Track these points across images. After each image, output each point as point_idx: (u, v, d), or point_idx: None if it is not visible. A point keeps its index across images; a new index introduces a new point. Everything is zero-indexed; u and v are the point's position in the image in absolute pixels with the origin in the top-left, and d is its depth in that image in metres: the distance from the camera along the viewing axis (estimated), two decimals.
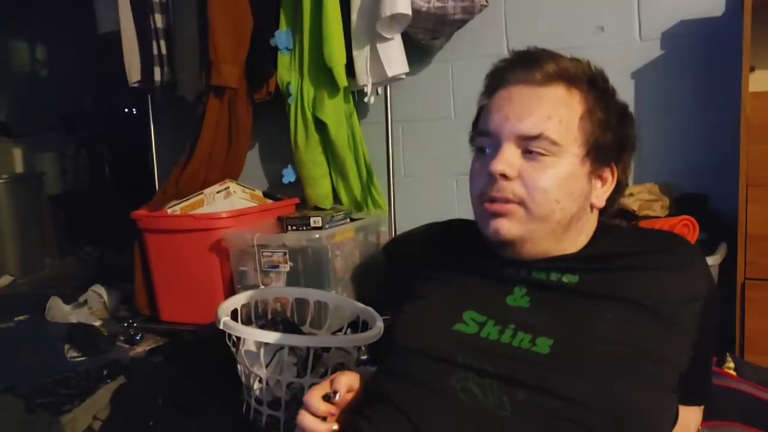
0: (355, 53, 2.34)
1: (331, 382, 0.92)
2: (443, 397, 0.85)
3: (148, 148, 3.09)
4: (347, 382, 0.92)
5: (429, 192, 2.62)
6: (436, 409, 0.84)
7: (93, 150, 4.88)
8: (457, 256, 1.03)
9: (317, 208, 2.57)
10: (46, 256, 4.14)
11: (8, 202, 3.90)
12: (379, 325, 1.71)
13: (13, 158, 4.40)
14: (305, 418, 0.88)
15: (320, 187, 2.59)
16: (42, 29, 4.89)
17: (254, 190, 2.64)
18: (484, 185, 0.92)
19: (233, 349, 1.69)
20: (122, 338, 2.52)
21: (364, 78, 2.34)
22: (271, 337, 1.52)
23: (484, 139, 0.94)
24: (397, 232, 2.54)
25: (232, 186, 2.53)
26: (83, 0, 3.13)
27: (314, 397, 0.89)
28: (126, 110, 5.28)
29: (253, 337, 1.55)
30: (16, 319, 2.93)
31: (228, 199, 2.49)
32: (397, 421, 0.86)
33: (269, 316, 1.94)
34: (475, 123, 1.01)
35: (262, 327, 1.86)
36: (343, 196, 2.61)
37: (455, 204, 2.55)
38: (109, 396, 1.94)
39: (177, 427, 1.76)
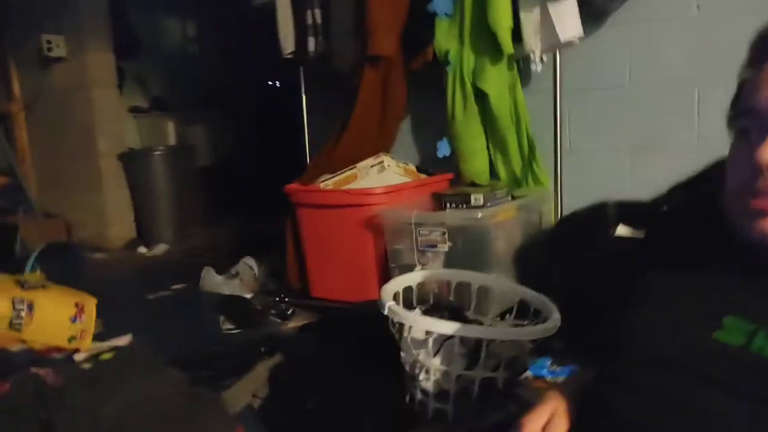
0: (522, 15, 2.15)
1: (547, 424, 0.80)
2: (698, 425, 0.69)
3: (299, 121, 3.06)
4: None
5: (597, 169, 2.38)
6: None
7: (242, 123, 4.98)
8: (699, 241, 0.84)
9: (473, 184, 2.42)
10: (197, 226, 4.28)
11: (164, 173, 4.04)
12: (556, 316, 1.55)
13: (167, 131, 4.57)
14: None
15: (477, 162, 2.44)
16: (193, 5, 5.03)
17: (408, 165, 2.52)
18: (746, 177, 0.74)
19: (396, 336, 1.59)
20: (274, 312, 2.51)
21: (533, 43, 2.15)
22: (445, 327, 1.40)
23: (746, 119, 0.76)
24: (564, 212, 2.34)
25: (387, 160, 2.43)
26: None
27: None
28: (270, 83, 5.36)
29: (424, 326, 1.43)
30: (173, 287, 3.02)
31: (382, 174, 2.39)
32: None
33: (431, 301, 1.83)
34: (735, 101, 0.83)
35: (425, 313, 1.75)
36: (502, 172, 2.43)
37: (627, 182, 2.31)
38: (266, 373, 1.90)
39: (337, 412, 1.69)
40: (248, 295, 2.73)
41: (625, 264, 0.99)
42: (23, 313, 2.16)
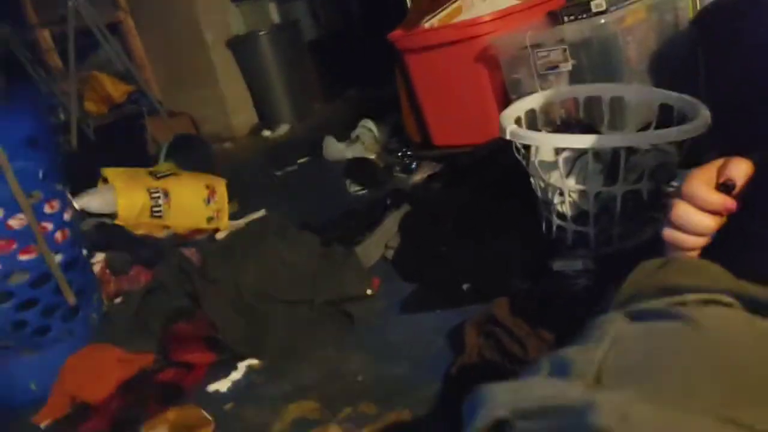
0: None
1: (720, 170, 0.62)
2: None
3: None
4: (745, 171, 0.60)
5: None
6: None
7: None
8: None
9: None
10: (314, 101, 4.25)
11: (273, 54, 3.98)
12: (705, 113, 1.35)
13: (269, 11, 4.49)
14: (689, 213, 0.61)
15: None
16: None
17: None
18: None
19: (523, 162, 1.47)
20: (398, 168, 2.45)
21: None
22: (576, 141, 1.25)
23: None
24: (704, 5, 2.02)
25: None
26: None
27: (701, 186, 0.61)
28: None
29: (552, 143, 1.29)
30: (298, 161, 3.04)
31: (489, 1, 2.17)
32: None
33: (558, 123, 1.67)
34: None
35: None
36: None
37: None
38: (396, 224, 1.87)
39: (470, 251, 1.63)
40: (371, 156, 2.68)
41: None
42: (161, 201, 2.25)
